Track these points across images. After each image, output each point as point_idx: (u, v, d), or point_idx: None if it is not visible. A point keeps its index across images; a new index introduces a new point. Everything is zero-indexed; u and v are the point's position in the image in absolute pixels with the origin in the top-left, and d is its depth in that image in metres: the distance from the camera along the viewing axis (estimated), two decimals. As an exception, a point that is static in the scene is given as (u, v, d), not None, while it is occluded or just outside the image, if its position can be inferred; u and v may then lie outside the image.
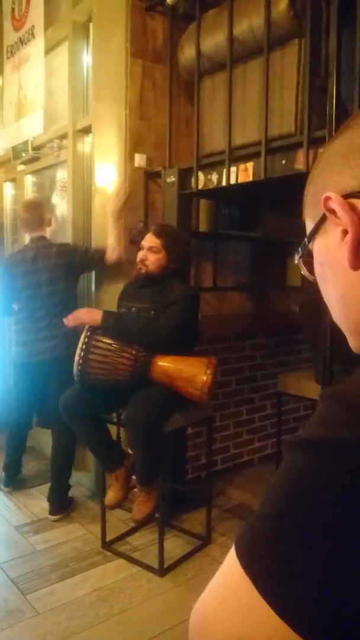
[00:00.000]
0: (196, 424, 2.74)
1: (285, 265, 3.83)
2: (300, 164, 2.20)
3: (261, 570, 0.38)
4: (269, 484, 0.42)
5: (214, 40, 2.52)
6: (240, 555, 0.40)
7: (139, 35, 2.83)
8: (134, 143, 2.86)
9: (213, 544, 2.56)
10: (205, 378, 2.24)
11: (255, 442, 3.61)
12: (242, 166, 2.48)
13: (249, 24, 2.32)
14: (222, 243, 3.35)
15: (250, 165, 2.44)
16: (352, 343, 0.56)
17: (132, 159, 2.87)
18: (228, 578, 0.41)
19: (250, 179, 2.43)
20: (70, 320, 2.42)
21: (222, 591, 0.42)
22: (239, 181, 2.48)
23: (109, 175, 2.94)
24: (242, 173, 2.49)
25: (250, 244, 3.56)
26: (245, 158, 2.45)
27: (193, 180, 2.71)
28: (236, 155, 2.48)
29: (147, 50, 2.87)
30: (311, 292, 3.07)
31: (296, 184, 2.62)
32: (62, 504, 2.84)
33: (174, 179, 2.78)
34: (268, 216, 3.52)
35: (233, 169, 2.50)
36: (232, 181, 2.50)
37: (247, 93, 2.47)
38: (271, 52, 2.29)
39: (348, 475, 0.36)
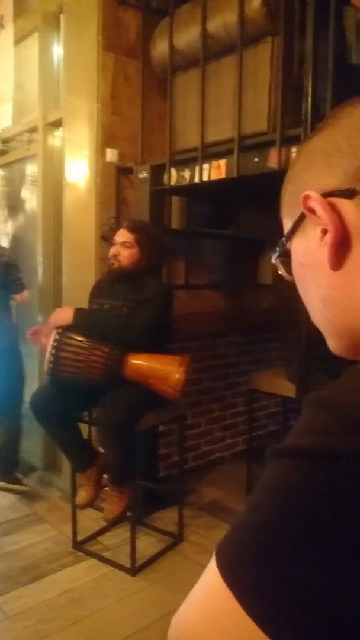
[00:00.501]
0: (169, 422, 2.73)
1: (257, 263, 3.85)
2: (273, 162, 2.21)
3: (244, 584, 0.36)
4: (252, 493, 0.41)
5: (187, 36, 2.50)
6: (222, 568, 0.38)
7: (111, 28, 2.79)
8: (105, 138, 2.82)
9: (185, 541, 2.56)
10: (178, 376, 2.23)
11: (227, 439, 3.62)
12: (215, 163, 2.47)
13: (223, 21, 2.31)
14: (195, 241, 3.35)
15: (223, 162, 2.43)
16: (333, 346, 0.55)
17: (103, 154, 2.83)
18: (210, 590, 0.39)
19: (223, 176, 2.43)
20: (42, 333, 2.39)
21: (204, 604, 0.40)
22: (212, 178, 2.48)
23: (79, 170, 2.89)
24: (215, 170, 2.48)
25: (223, 241, 3.56)
26: (218, 155, 2.44)
27: (165, 176, 2.69)
28: (209, 152, 2.47)
29: (119, 43, 2.83)
30: (282, 291, 3.10)
31: (269, 182, 2.63)
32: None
33: (146, 175, 2.76)
34: (241, 214, 3.52)
35: (206, 166, 2.49)
36: (205, 178, 2.49)
37: (220, 90, 2.46)
38: (245, 50, 2.28)
39: (338, 487, 0.34)
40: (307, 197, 0.49)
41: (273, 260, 0.60)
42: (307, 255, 0.53)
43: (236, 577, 0.37)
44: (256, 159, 2.29)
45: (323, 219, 0.48)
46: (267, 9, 2.19)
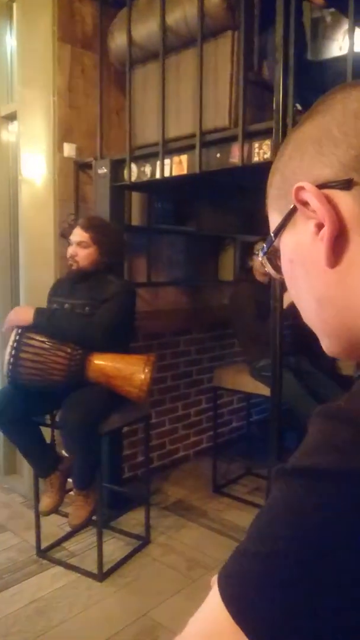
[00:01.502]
0: (133, 422, 2.68)
1: (218, 259, 3.84)
2: (235, 158, 2.19)
3: (256, 620, 0.32)
4: (258, 516, 0.36)
5: (146, 28, 2.45)
6: (228, 601, 0.34)
7: (67, 19, 2.71)
8: (63, 132, 2.74)
9: (153, 543, 2.52)
10: (143, 376, 2.18)
11: (191, 437, 3.60)
12: (176, 159, 2.43)
13: (183, 13, 2.28)
14: (156, 237, 3.30)
15: (184, 158, 2.40)
16: (327, 346, 0.51)
17: (61, 149, 2.74)
18: (213, 625, 0.35)
19: (185, 172, 2.39)
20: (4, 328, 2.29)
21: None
22: (174, 174, 2.44)
23: (36, 165, 2.80)
24: (176, 166, 2.44)
25: (184, 238, 3.53)
26: (180, 151, 2.41)
27: (126, 172, 2.63)
28: (170, 148, 2.43)
29: (75, 35, 2.75)
30: (239, 288, 3.10)
31: (231, 178, 2.62)
32: None
33: (105, 170, 2.69)
34: (202, 210, 3.50)
35: (167, 161, 2.45)
36: (167, 174, 2.45)
37: (180, 84, 2.42)
38: (205, 43, 2.25)
39: None
40: (299, 189, 0.46)
41: (260, 258, 0.57)
42: (298, 252, 0.50)
43: (247, 613, 0.33)
44: (218, 155, 2.26)
45: (318, 212, 0.45)
46: (227, 3, 2.16)
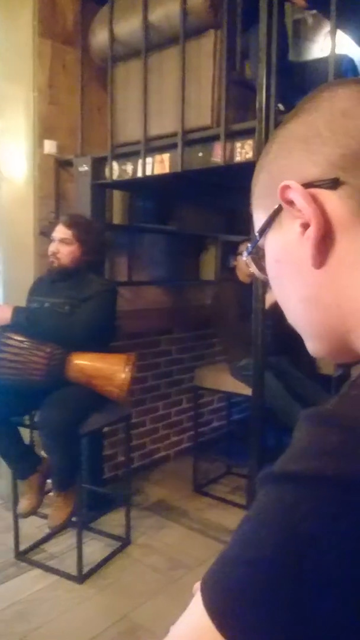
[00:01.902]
0: (114, 423, 2.66)
1: (200, 259, 3.84)
2: (217, 157, 2.19)
3: (240, 629, 0.31)
4: (244, 521, 0.35)
5: (128, 25, 2.43)
6: (212, 609, 0.33)
7: (48, 14, 2.67)
8: (43, 128, 2.70)
9: (133, 544, 2.50)
10: (124, 376, 2.17)
11: (172, 437, 3.59)
12: (158, 157, 2.42)
13: (165, 11, 2.27)
14: (137, 236, 3.28)
15: (166, 156, 2.38)
16: (313, 348, 0.51)
17: (41, 145, 2.71)
18: (196, 634, 0.34)
19: (167, 170, 2.38)
20: None
21: None
22: (155, 173, 2.43)
23: (16, 162, 2.76)
24: (158, 164, 2.43)
25: (165, 237, 3.52)
26: (162, 149, 2.39)
27: (107, 170, 2.61)
28: (152, 146, 2.42)
29: (56, 30, 2.71)
30: (222, 288, 3.10)
31: (214, 177, 2.61)
32: None
33: (86, 168, 2.67)
34: (183, 209, 3.49)
35: (149, 159, 2.44)
36: (149, 172, 2.44)
37: (163, 82, 2.41)
38: (187, 42, 2.24)
39: (357, 519, 0.29)
40: (286, 188, 0.45)
41: (244, 258, 0.56)
42: (284, 252, 0.49)
43: (233, 624, 0.32)
44: (200, 154, 2.26)
45: (304, 211, 0.44)
46: (210, 2, 2.16)
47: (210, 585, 0.34)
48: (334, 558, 0.29)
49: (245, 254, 0.56)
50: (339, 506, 0.30)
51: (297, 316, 0.50)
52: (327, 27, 2.64)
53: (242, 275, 3.00)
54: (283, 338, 2.66)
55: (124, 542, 2.49)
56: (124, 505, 2.58)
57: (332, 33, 1.86)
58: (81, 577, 2.21)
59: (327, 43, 2.58)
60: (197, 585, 0.36)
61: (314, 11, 2.87)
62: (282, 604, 0.30)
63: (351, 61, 2.43)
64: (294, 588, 0.30)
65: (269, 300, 1.91)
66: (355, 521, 0.29)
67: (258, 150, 1.91)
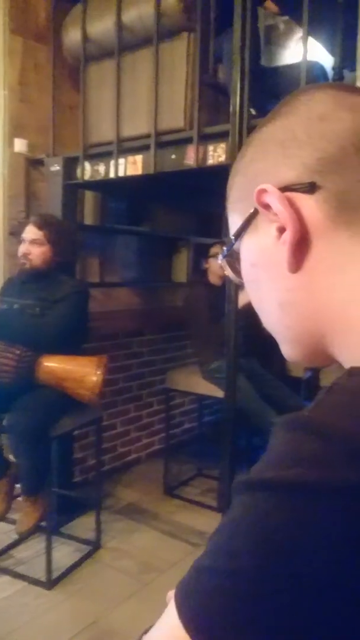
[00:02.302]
0: (85, 425, 2.63)
1: (172, 261, 3.83)
2: (190, 160, 2.19)
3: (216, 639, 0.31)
4: (218, 530, 0.34)
5: (101, 25, 2.41)
6: (187, 619, 0.32)
7: (20, 10, 2.63)
8: (13, 127, 2.66)
9: (104, 548, 2.48)
10: (95, 378, 2.14)
11: (143, 439, 3.58)
12: (130, 159, 2.41)
13: (138, 12, 2.26)
14: (109, 237, 3.26)
15: (139, 158, 2.38)
16: (289, 352, 0.51)
17: (11, 144, 2.66)
18: None
19: (140, 172, 2.37)
20: None
21: None
22: (128, 174, 2.41)
23: (-15, 160, 2.70)
24: (130, 166, 2.42)
25: (137, 239, 3.51)
26: (134, 150, 2.39)
27: (79, 170, 2.59)
28: (125, 147, 2.41)
29: (28, 27, 2.67)
30: (193, 290, 3.10)
31: (186, 179, 2.61)
32: None
33: (58, 167, 2.64)
34: (156, 211, 3.49)
35: (121, 160, 2.42)
36: (121, 174, 2.42)
37: (136, 83, 2.40)
38: (161, 44, 2.24)
39: (337, 528, 0.29)
40: (262, 191, 0.45)
41: (219, 261, 0.56)
42: (260, 256, 0.49)
43: (207, 633, 0.31)
44: (173, 156, 2.26)
45: (280, 215, 0.44)
46: (183, 4, 2.16)
47: (184, 594, 0.33)
48: (309, 568, 0.29)
49: (220, 257, 0.55)
50: (315, 515, 0.29)
51: (273, 320, 0.50)
52: (298, 34, 2.68)
53: (213, 278, 3.01)
54: (254, 340, 2.68)
55: (94, 546, 2.47)
56: (94, 508, 2.55)
57: (304, 39, 1.88)
58: (50, 583, 2.17)
59: (298, 49, 2.62)
60: (171, 594, 0.35)
61: (286, 17, 2.91)
62: (257, 615, 0.30)
63: (322, 68, 2.47)
64: (270, 599, 0.29)
65: (242, 300, 1.92)
66: (331, 530, 0.29)
67: (231, 154, 1.92)
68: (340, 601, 0.29)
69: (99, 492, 2.60)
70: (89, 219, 3.07)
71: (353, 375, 0.34)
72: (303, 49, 1.87)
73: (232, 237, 0.52)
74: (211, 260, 3.01)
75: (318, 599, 0.29)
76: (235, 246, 0.52)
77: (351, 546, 0.29)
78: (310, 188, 0.43)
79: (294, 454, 0.32)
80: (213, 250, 3.00)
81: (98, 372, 2.16)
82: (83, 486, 2.99)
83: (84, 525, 2.63)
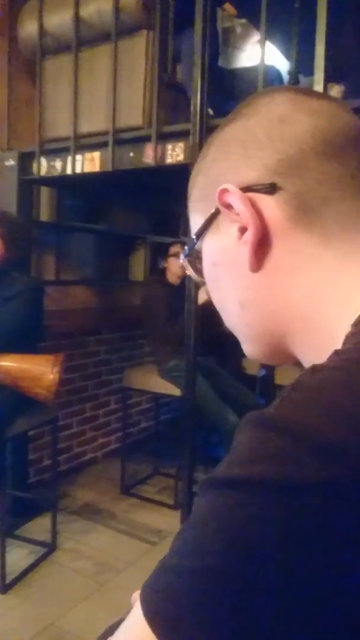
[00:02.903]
0: (40, 425, 2.59)
1: (129, 259, 3.82)
2: (148, 158, 2.19)
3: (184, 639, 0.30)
4: (184, 529, 0.34)
5: (58, 18, 2.37)
6: (153, 620, 0.32)
7: (-27, 0, 2.56)
8: (-34, 119, 2.58)
9: (59, 549, 2.44)
10: (52, 377, 2.11)
11: (100, 439, 3.55)
12: (88, 155, 2.39)
13: (97, 7, 2.24)
14: (66, 235, 3.22)
15: (97, 154, 2.35)
16: (249, 351, 0.52)
17: None
18: None
19: (98, 169, 2.35)
20: None
21: None
22: (85, 171, 2.39)
23: None
24: (88, 162, 2.39)
25: (94, 236, 3.47)
26: (92, 147, 2.36)
27: (35, 165, 2.54)
28: (82, 144, 2.38)
29: (-19, 18, 2.60)
30: (150, 289, 3.10)
31: (144, 177, 2.61)
32: None
33: (13, 162, 2.58)
34: (113, 209, 3.46)
35: (79, 157, 2.39)
36: (78, 170, 2.39)
37: (94, 79, 2.37)
38: (120, 40, 2.23)
39: (301, 524, 0.29)
40: (224, 191, 0.46)
41: (181, 260, 0.56)
42: (222, 255, 0.49)
43: (174, 634, 0.31)
44: (131, 154, 2.25)
45: (242, 215, 0.45)
46: (142, 2, 2.15)
47: (149, 595, 0.33)
48: (276, 565, 0.29)
49: (182, 256, 0.56)
50: (281, 511, 0.30)
51: (234, 319, 0.51)
52: (255, 37, 2.71)
53: (172, 277, 3.02)
54: (210, 338, 2.70)
55: (50, 548, 2.43)
56: (50, 510, 2.51)
57: (262, 43, 1.91)
58: (4, 587, 2.13)
59: (254, 52, 2.66)
60: (136, 595, 0.35)
61: (243, 20, 2.94)
62: (225, 612, 0.29)
63: (278, 72, 2.51)
64: (237, 596, 0.29)
65: (201, 298, 1.93)
66: (297, 526, 0.29)
67: (191, 153, 1.93)
68: (308, 598, 0.29)
69: (54, 492, 2.56)
70: (44, 215, 3.02)
71: (316, 373, 0.35)
72: (260, 53, 1.90)
73: (194, 237, 0.52)
74: (170, 260, 3.01)
75: (286, 596, 0.29)
76: (196, 246, 0.53)
77: (317, 543, 0.29)
78: (271, 189, 0.44)
79: (259, 451, 0.32)
80: (172, 249, 3.01)
81: (55, 371, 2.13)
82: (38, 487, 2.94)
83: (39, 527, 2.59)
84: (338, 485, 0.29)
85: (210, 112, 2.08)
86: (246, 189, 0.45)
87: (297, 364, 0.50)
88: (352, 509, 0.29)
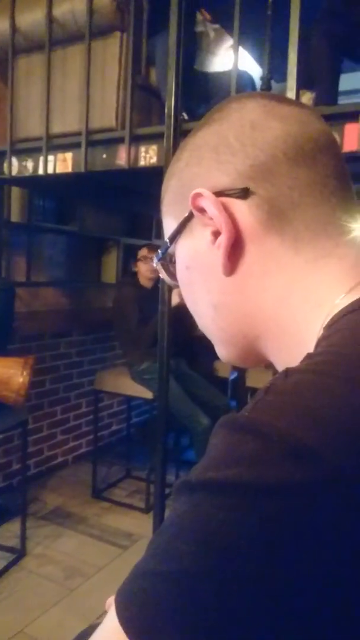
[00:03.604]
0: (9, 429, 2.54)
1: (101, 261, 3.80)
2: (121, 160, 2.18)
3: None
4: (158, 533, 0.33)
5: (31, 17, 2.34)
6: (128, 625, 0.31)
7: None
8: None
9: (28, 555, 2.40)
10: (22, 380, 2.08)
11: (70, 442, 3.51)
12: (60, 156, 2.36)
13: (71, 7, 2.22)
14: (37, 236, 3.18)
15: (69, 155, 2.33)
16: (223, 353, 0.52)
17: None
18: None
19: (70, 170, 2.33)
20: None
21: None
22: (57, 171, 2.36)
23: None
24: (60, 163, 2.37)
25: (66, 238, 3.44)
26: (64, 148, 2.34)
27: (6, 165, 2.50)
28: (54, 144, 2.35)
29: None
30: (122, 291, 3.09)
31: (117, 179, 2.60)
32: None
33: (-18, 162, 2.53)
34: (85, 210, 3.44)
35: (51, 157, 2.37)
36: (50, 171, 2.37)
37: (67, 79, 2.35)
38: (93, 41, 2.21)
39: (276, 526, 0.29)
40: (197, 195, 0.46)
41: (154, 264, 0.56)
42: (195, 259, 0.50)
43: (149, 638, 0.31)
44: (104, 155, 2.24)
45: (215, 220, 0.46)
46: (116, 3, 2.14)
47: (124, 599, 0.33)
48: (252, 567, 0.29)
49: (155, 260, 0.56)
50: (256, 513, 0.30)
51: (207, 322, 0.51)
52: (228, 42, 2.74)
53: (143, 280, 3.01)
54: (181, 340, 2.70)
55: (19, 553, 2.39)
56: (18, 515, 2.47)
57: (235, 49, 1.93)
58: (-29, 594, 2.09)
59: (227, 57, 2.68)
60: (111, 600, 0.35)
61: (217, 25, 2.96)
62: (201, 616, 0.29)
63: (250, 78, 2.54)
64: (213, 600, 0.29)
65: (173, 301, 1.92)
66: (272, 528, 0.29)
67: (165, 156, 1.92)
68: (284, 599, 0.29)
69: (23, 497, 2.51)
70: (15, 216, 2.98)
71: (289, 376, 0.35)
72: (233, 58, 1.92)
73: (167, 240, 0.52)
74: (139, 264, 3.01)
75: (262, 598, 0.29)
76: (170, 249, 0.53)
77: (292, 545, 0.29)
78: (243, 194, 0.45)
79: (234, 454, 0.32)
80: (142, 252, 3.00)
81: (24, 373, 2.10)
82: (7, 492, 2.89)
83: (8, 532, 2.54)
84: (312, 487, 0.29)
85: (185, 116, 2.09)
86: (219, 193, 0.46)
87: (269, 366, 0.51)
88: (326, 511, 0.29)
